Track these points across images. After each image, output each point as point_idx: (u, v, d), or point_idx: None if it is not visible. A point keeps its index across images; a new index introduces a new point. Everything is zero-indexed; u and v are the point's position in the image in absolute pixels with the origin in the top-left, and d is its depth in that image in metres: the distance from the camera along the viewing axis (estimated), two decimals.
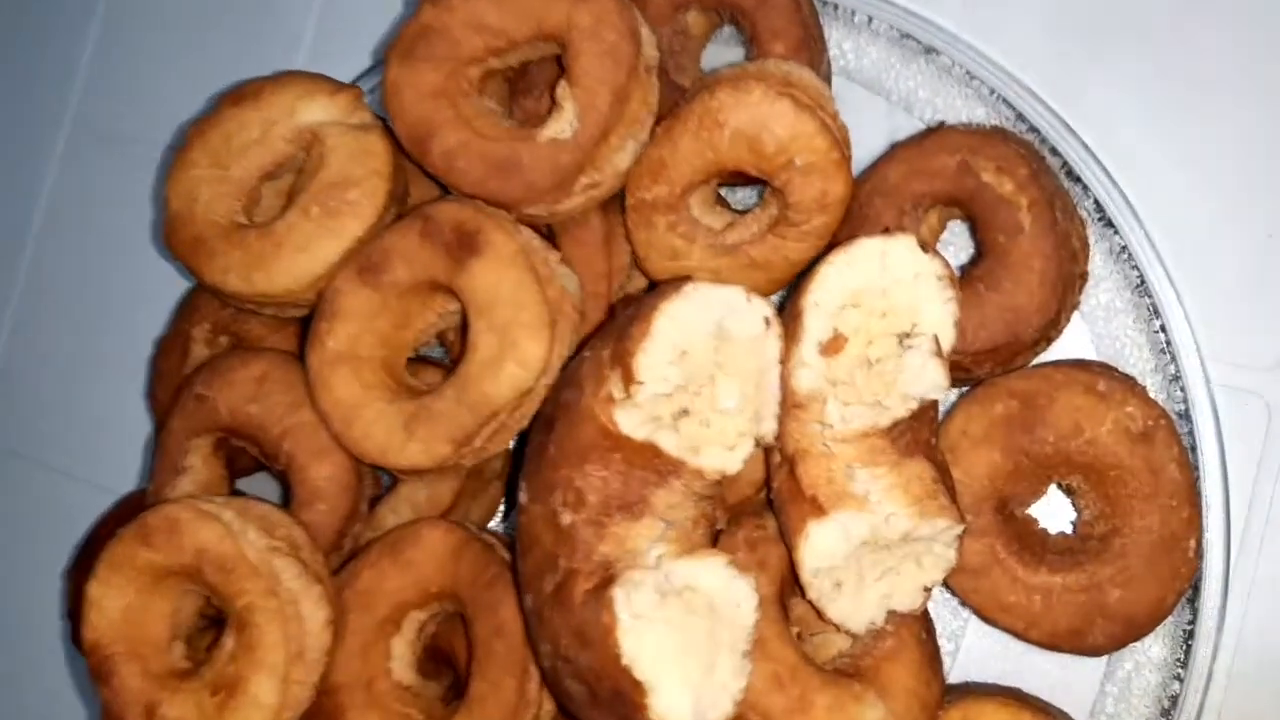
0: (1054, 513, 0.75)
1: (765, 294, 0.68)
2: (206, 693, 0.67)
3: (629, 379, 0.59)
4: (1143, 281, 0.75)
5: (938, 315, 0.62)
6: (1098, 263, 0.76)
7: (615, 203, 0.79)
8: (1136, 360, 0.75)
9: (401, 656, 0.75)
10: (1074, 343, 0.76)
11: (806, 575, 0.63)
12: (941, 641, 0.74)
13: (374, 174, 0.78)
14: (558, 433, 0.63)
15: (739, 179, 0.80)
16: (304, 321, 0.82)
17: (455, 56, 0.75)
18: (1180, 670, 0.71)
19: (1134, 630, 0.66)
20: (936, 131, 0.75)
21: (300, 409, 0.77)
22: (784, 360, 0.63)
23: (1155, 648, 0.72)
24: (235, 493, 0.84)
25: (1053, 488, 0.73)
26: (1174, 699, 0.71)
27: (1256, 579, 0.74)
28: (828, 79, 0.81)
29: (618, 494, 0.61)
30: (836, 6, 0.83)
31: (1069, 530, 0.72)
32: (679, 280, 0.60)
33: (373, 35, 0.98)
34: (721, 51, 0.84)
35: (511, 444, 0.77)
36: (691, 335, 0.60)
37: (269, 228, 0.78)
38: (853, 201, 0.73)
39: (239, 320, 0.88)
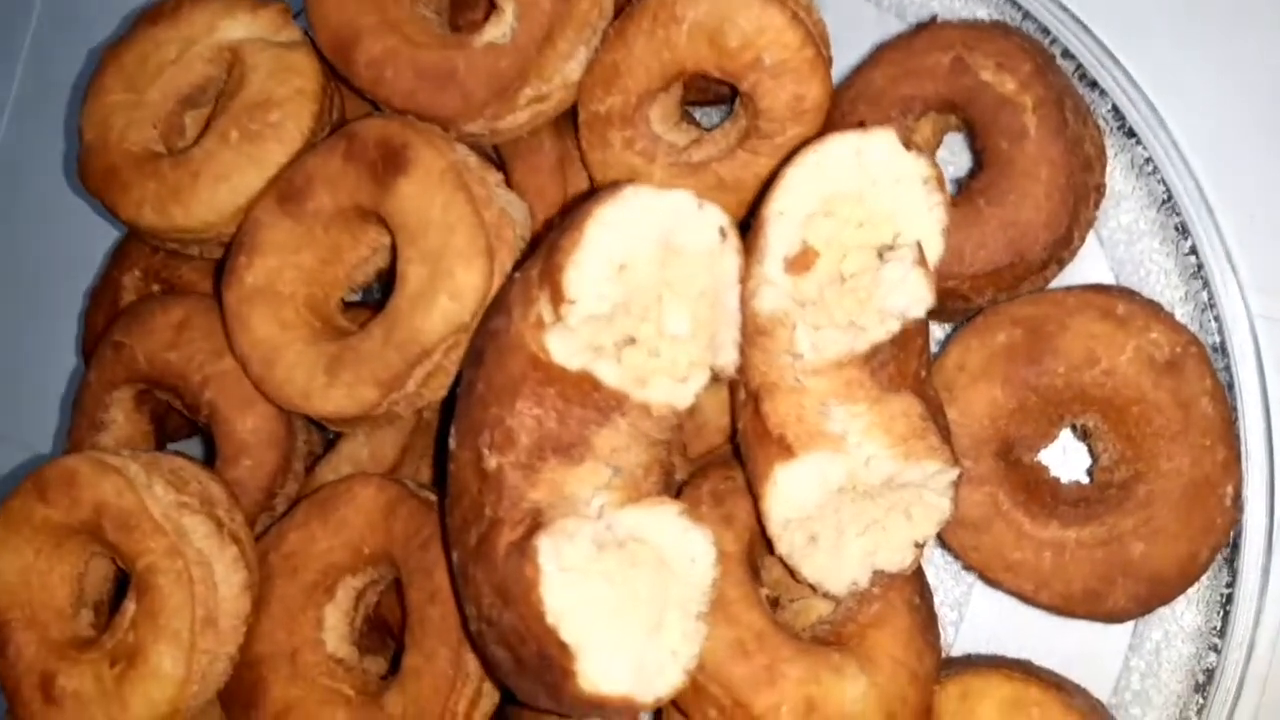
0: (1067, 462, 0.67)
1: (735, 219, 0.60)
2: (106, 663, 0.61)
3: (559, 297, 0.51)
4: (1170, 198, 0.66)
5: (923, 224, 0.54)
6: (1117, 178, 0.68)
7: (571, 126, 0.72)
8: (1164, 288, 0.66)
9: (335, 627, 0.68)
10: (1090, 270, 0.68)
11: (775, 527, 0.56)
12: (943, 611, 0.66)
13: (298, 93, 0.71)
14: (486, 367, 0.56)
15: (705, 95, 0.73)
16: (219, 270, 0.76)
17: None
18: (1217, 640, 0.63)
19: (1162, 590, 0.57)
20: (927, 27, 0.66)
21: (223, 356, 0.71)
22: (744, 279, 0.55)
23: (1188, 614, 0.64)
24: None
25: (1065, 432, 0.65)
26: (1209, 672, 0.63)
27: None
28: None
29: (553, 435, 0.53)
30: None
31: (1084, 480, 0.63)
32: (616, 184, 0.52)
33: None
34: None
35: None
36: (632, 246, 0.52)
37: (185, 155, 0.71)
38: (834, 110, 0.65)
39: (171, 266, 0.82)
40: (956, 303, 0.64)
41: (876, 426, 0.55)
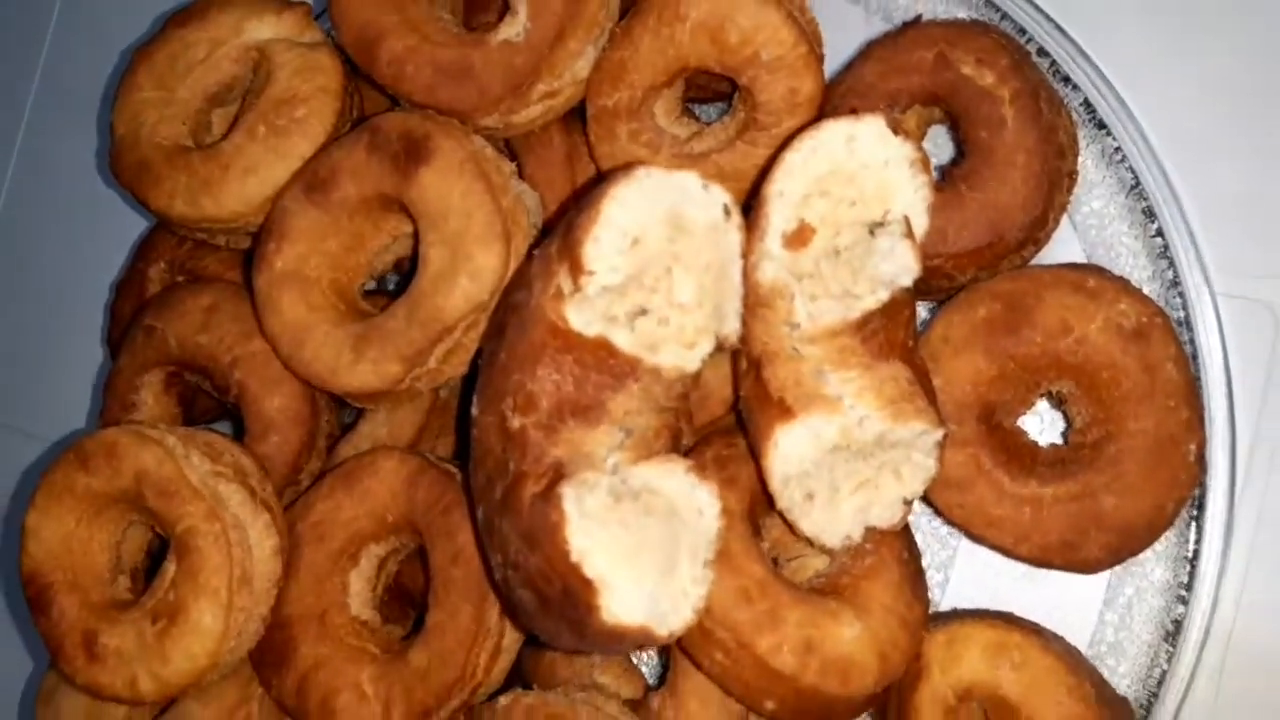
0: (1044, 429, 0.72)
1: None
2: (147, 621, 0.65)
3: (577, 269, 0.57)
4: (1138, 184, 0.72)
5: (910, 201, 0.60)
6: (1089, 167, 0.73)
7: (578, 122, 0.77)
8: (1132, 268, 0.72)
9: (359, 593, 0.73)
10: (1064, 251, 0.73)
11: (775, 483, 0.61)
12: (930, 574, 0.71)
13: (322, 90, 0.76)
14: (508, 338, 0.61)
15: (707, 90, 0.78)
16: (248, 258, 0.81)
17: None
18: (1184, 593, 0.68)
19: (1131, 541, 0.63)
20: (912, 26, 0.72)
21: (252, 338, 0.76)
22: (746, 253, 0.60)
23: (1157, 570, 0.69)
24: None
25: (1042, 404, 0.71)
26: (1177, 623, 0.68)
27: (1267, 499, 0.71)
28: None
29: (571, 398, 0.59)
30: None
31: (1059, 444, 0.69)
32: (629, 165, 0.58)
33: None
34: None
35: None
36: (644, 222, 0.57)
37: (215, 149, 0.76)
38: (825, 103, 0.71)
39: (195, 257, 0.86)
40: (940, 281, 0.69)
41: (868, 390, 0.61)
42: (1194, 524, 0.68)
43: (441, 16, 0.75)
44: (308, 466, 0.77)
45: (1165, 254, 0.71)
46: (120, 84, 0.80)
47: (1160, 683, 0.68)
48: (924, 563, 0.70)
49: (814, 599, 0.62)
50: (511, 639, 0.69)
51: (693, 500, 0.58)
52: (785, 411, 0.60)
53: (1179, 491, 0.62)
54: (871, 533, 0.64)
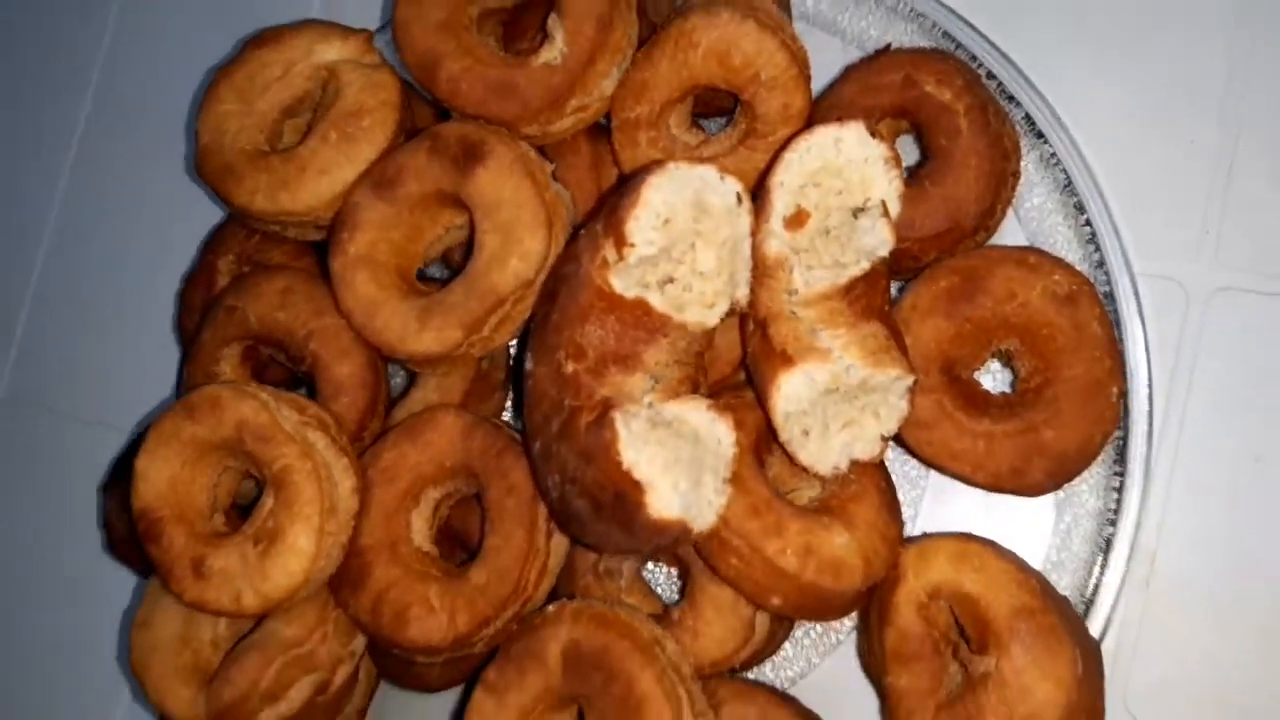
0: (996, 383, 0.88)
1: None
2: (250, 544, 0.78)
3: (621, 242, 0.71)
4: (1069, 183, 0.87)
5: (885, 190, 0.75)
6: (1030, 169, 0.89)
7: (602, 132, 0.92)
8: (1066, 253, 0.87)
9: (420, 530, 0.86)
10: (1010, 238, 0.88)
11: (779, 419, 0.75)
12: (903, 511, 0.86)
13: (384, 104, 0.90)
14: (560, 302, 0.75)
15: (711, 107, 0.93)
16: (318, 248, 0.95)
17: None
18: (1112, 517, 0.83)
19: (1067, 466, 0.78)
20: (883, 53, 0.88)
21: (324, 314, 0.89)
22: (754, 232, 0.75)
23: (1090, 500, 0.84)
24: None
25: (994, 365, 0.86)
26: (1108, 541, 0.83)
27: (1181, 442, 0.86)
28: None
29: (613, 350, 0.73)
30: None
31: (1008, 392, 0.84)
32: (662, 160, 0.73)
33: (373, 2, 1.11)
34: None
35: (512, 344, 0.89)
36: (674, 205, 0.72)
37: (292, 152, 0.89)
38: (812, 115, 0.86)
39: (261, 250, 0.99)
40: (909, 262, 0.84)
41: (853, 344, 0.75)
42: (1119, 460, 0.83)
43: (488, 42, 0.90)
44: (370, 426, 0.90)
45: (1092, 240, 0.86)
46: (205, 98, 0.93)
47: (1095, 592, 0.83)
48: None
49: (810, 514, 0.76)
50: (555, 561, 0.83)
51: (713, 431, 0.72)
52: (787, 361, 0.74)
53: (1104, 426, 0.78)
54: (855, 464, 0.78)
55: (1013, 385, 0.84)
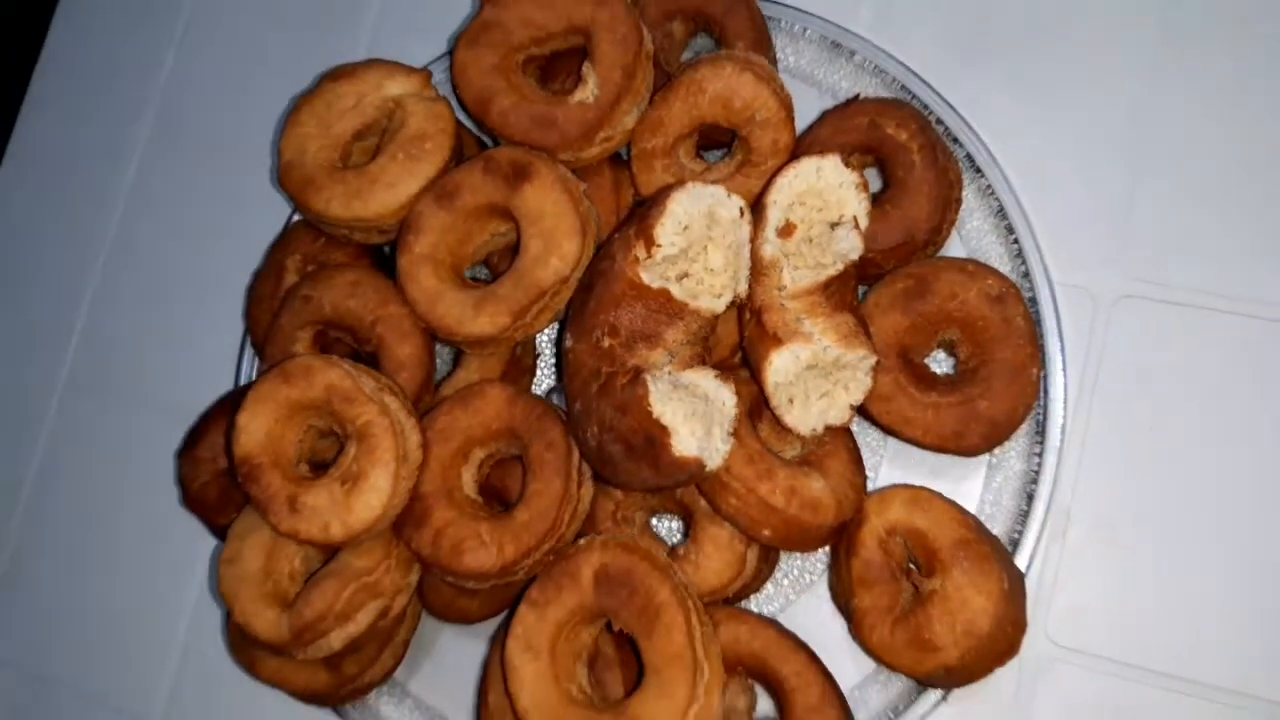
0: (941, 367, 1.09)
1: None
2: (337, 484, 0.96)
3: (650, 243, 0.91)
4: (1002, 210, 1.09)
5: (856, 208, 0.96)
6: (970, 198, 1.10)
7: (621, 163, 1.12)
8: (998, 265, 1.08)
9: (468, 483, 1.04)
10: (954, 253, 1.10)
11: (769, 388, 0.95)
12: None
13: (443, 131, 1.10)
14: (596, 291, 0.95)
15: (711, 141, 1.14)
16: (373, 251, 1.14)
17: (507, 44, 1.08)
18: (1034, 475, 1.04)
19: (998, 431, 0.98)
20: (853, 102, 1.09)
21: (388, 303, 1.07)
22: (753, 239, 0.96)
23: (1016, 463, 1.04)
24: None
25: (940, 355, 1.08)
26: (1030, 497, 1.03)
27: (1090, 417, 1.07)
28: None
29: (640, 329, 0.93)
30: (780, 20, 1.18)
31: (951, 373, 1.05)
32: (683, 180, 0.93)
33: (422, 34, 1.30)
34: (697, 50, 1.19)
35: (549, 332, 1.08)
36: (692, 215, 0.92)
37: (364, 168, 1.08)
38: (795, 150, 1.07)
39: (325, 252, 1.18)
40: (872, 269, 1.05)
41: (829, 330, 0.96)
42: (1039, 429, 1.04)
43: (530, 82, 1.10)
44: (424, 399, 1.09)
45: (1019, 255, 1.07)
46: (288, 121, 1.12)
47: (1020, 540, 1.04)
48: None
49: (794, 465, 0.96)
50: (583, 507, 1.01)
51: (719, 394, 0.92)
52: (777, 342, 0.95)
53: (1027, 399, 0.98)
54: (829, 428, 0.98)
55: (954, 368, 1.05)
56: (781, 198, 0.96)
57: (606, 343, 0.92)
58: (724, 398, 0.92)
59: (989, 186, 1.09)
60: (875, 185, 1.07)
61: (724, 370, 1.02)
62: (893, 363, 1.00)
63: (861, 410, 1.00)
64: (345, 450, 0.98)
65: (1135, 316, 1.06)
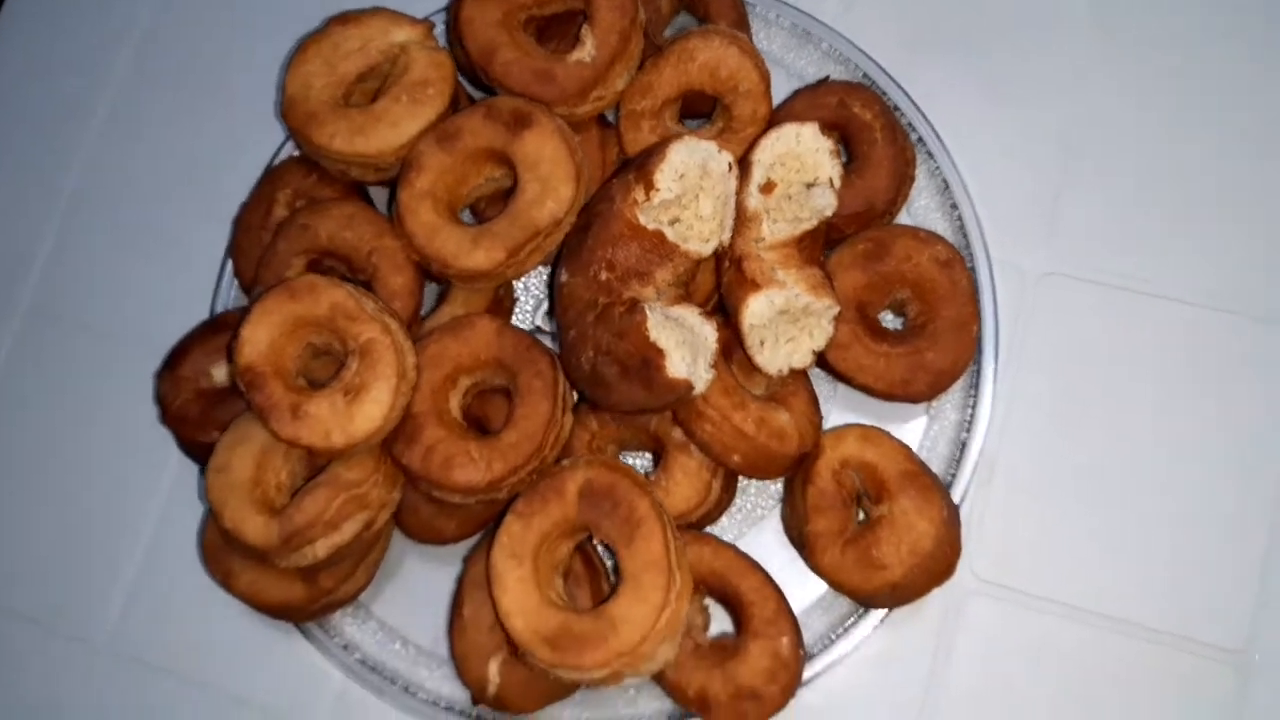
0: (893, 324, 1.22)
1: None
2: (339, 395, 1.03)
3: (649, 187, 1.01)
4: (947, 187, 1.22)
5: (830, 171, 1.08)
6: (921, 178, 1.24)
7: (607, 124, 1.22)
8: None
9: (454, 408, 1.12)
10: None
11: (744, 329, 1.06)
12: None
13: (444, 79, 1.17)
14: (594, 230, 1.04)
15: (693, 111, 1.25)
16: (361, 192, 1.21)
17: (512, 1, 1.17)
18: (967, 425, 1.17)
19: (941, 379, 1.11)
20: (823, 83, 1.22)
21: (383, 236, 1.15)
22: (739, 192, 1.07)
23: (952, 414, 1.18)
24: None
25: (889, 318, 1.20)
26: (963, 445, 1.17)
27: (1017, 378, 1.21)
28: None
29: (634, 267, 1.02)
30: (755, 5, 1.30)
31: (901, 329, 1.18)
32: (681, 133, 1.03)
33: None
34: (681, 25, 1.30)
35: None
36: (688, 164, 1.03)
37: (368, 108, 1.16)
38: (771, 121, 1.19)
39: (317, 188, 1.24)
40: (836, 233, 1.17)
41: (800, 280, 1.07)
42: (974, 384, 1.18)
43: (530, 40, 1.19)
44: (411, 330, 1.17)
45: (962, 231, 1.21)
46: (294, 59, 1.18)
47: (951, 484, 1.17)
48: None
49: (763, 400, 1.07)
50: (565, 432, 1.10)
51: (703, 329, 1.03)
52: (754, 286, 1.06)
53: (968, 352, 1.12)
54: (793, 371, 1.10)
55: (904, 324, 1.18)
56: (764, 157, 1.07)
57: (604, 276, 1.01)
58: (706, 332, 1.02)
59: (938, 169, 1.22)
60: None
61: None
62: (851, 315, 1.12)
63: (820, 360, 1.12)
64: (347, 365, 1.04)
65: (1056, 293, 1.20)
